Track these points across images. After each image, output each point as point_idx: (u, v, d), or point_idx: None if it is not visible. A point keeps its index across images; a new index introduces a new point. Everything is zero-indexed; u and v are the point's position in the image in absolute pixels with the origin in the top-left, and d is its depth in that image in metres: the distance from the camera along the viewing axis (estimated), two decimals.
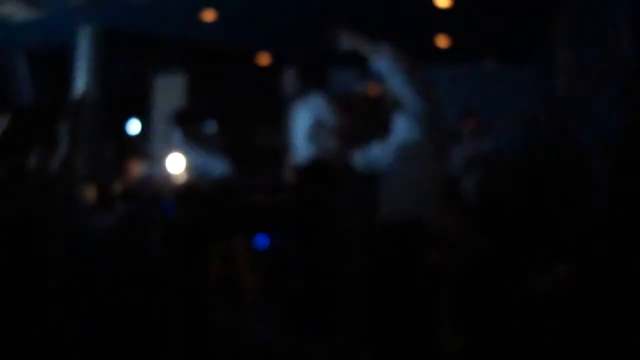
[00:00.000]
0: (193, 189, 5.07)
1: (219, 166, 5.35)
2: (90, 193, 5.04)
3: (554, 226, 4.03)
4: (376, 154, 3.63)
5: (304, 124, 4.81)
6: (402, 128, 3.53)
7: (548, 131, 6.38)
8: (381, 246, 3.55)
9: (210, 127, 6.65)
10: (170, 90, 8.58)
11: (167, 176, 5.17)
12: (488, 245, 4.24)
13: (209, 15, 6.76)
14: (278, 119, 5.32)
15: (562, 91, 6.52)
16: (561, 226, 4.01)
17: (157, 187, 5.18)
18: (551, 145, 5.79)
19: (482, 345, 3.56)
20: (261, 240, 5.27)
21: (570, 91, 6.16)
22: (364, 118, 4.28)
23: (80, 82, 7.12)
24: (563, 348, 3.28)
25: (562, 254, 3.76)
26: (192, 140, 5.52)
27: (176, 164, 5.17)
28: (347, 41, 3.72)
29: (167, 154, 5.27)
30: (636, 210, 3.32)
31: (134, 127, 9.06)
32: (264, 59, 8.41)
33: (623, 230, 3.35)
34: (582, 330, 3.26)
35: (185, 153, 5.24)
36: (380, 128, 3.80)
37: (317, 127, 4.60)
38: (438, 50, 7.64)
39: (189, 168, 5.17)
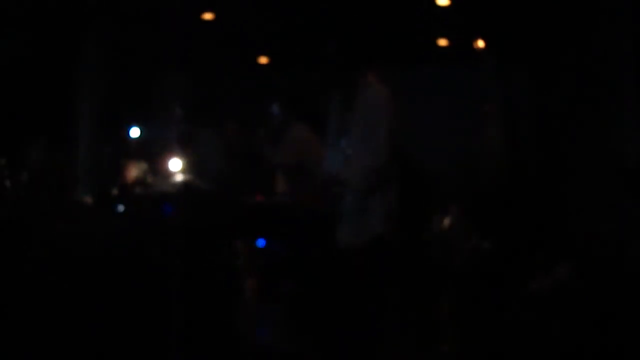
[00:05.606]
0: (192, 191, 5.05)
1: None
2: (89, 195, 5.04)
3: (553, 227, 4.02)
4: None
5: None
6: None
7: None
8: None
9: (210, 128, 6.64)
10: (170, 92, 8.56)
11: (166, 178, 5.16)
12: (489, 246, 4.24)
13: (208, 16, 6.77)
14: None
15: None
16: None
17: (156, 189, 5.17)
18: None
19: (482, 346, 3.55)
20: (261, 242, 5.26)
21: None
22: None
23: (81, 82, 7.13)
24: (564, 348, 3.27)
25: (562, 255, 3.75)
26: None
27: (175, 166, 5.16)
28: None
29: (166, 156, 5.26)
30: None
31: (133, 129, 9.06)
32: (263, 60, 8.39)
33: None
34: (582, 330, 3.25)
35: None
36: None
37: None
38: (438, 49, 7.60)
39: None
